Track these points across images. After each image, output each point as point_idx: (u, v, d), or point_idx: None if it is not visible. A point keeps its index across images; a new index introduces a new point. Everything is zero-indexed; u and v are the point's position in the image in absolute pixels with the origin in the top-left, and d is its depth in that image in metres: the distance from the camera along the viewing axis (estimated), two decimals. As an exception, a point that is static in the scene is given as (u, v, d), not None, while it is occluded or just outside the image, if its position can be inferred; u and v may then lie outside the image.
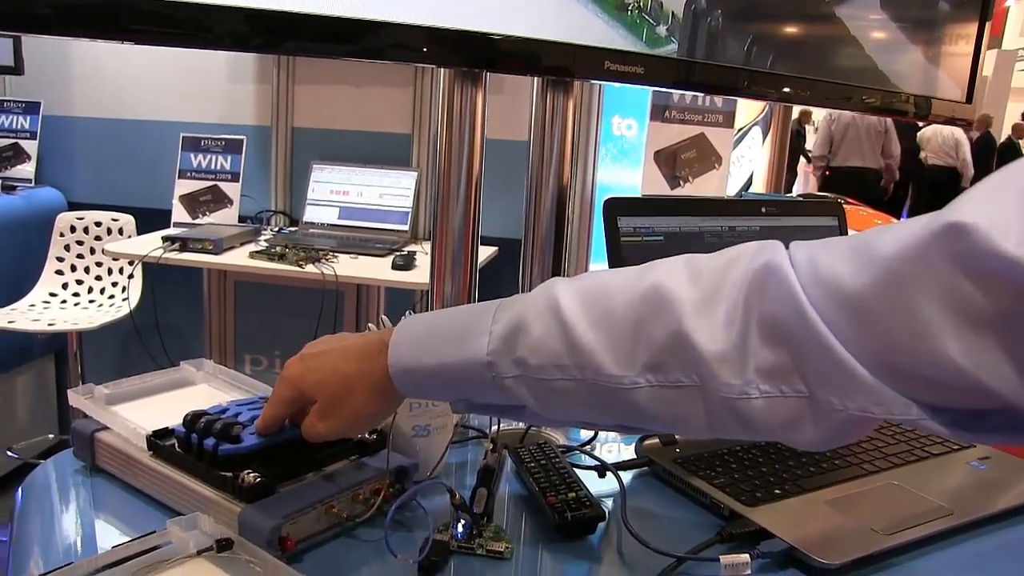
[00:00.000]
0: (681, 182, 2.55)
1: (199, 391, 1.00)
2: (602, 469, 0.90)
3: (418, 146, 2.98)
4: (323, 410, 0.72)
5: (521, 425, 1.00)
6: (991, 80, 11.61)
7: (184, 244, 2.47)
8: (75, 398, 0.92)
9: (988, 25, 1.34)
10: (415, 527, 0.79)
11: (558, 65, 0.99)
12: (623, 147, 2.78)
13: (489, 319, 0.65)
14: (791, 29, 1.19)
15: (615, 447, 1.03)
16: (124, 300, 2.80)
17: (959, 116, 1.37)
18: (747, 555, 0.74)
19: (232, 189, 2.87)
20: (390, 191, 2.89)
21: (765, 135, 3.15)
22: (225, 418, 0.80)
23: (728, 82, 1.11)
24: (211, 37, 0.82)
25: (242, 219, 2.88)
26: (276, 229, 2.90)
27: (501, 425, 1.01)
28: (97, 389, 0.93)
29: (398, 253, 2.55)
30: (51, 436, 3.04)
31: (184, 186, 2.89)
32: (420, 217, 2.90)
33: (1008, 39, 13.22)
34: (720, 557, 0.74)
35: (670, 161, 2.58)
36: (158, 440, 0.82)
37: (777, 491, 0.85)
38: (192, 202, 2.87)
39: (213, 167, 2.89)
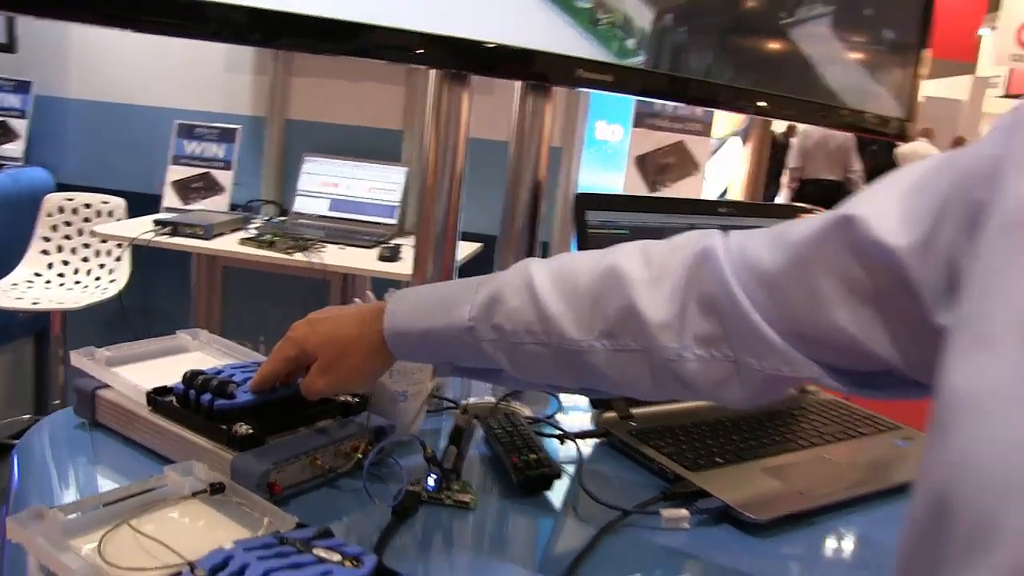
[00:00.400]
0: (660, 187, 2.65)
1: (194, 357, 1.08)
2: (563, 437, 0.99)
3: (409, 143, 3.06)
4: (323, 368, 0.80)
5: (492, 398, 1.09)
6: (966, 105, 11.86)
7: (175, 228, 2.54)
8: (77, 358, 1.00)
9: (927, 52, 1.44)
10: (391, 480, 0.87)
11: (537, 71, 1.08)
12: (607, 151, 2.88)
13: (472, 291, 0.74)
14: (750, 46, 1.29)
15: (577, 420, 1.12)
16: (111, 282, 2.86)
17: (902, 132, 1.49)
18: (686, 510, 0.83)
19: (224, 177, 2.95)
20: (379, 185, 2.96)
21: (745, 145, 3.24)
22: (221, 377, 0.88)
23: (689, 92, 1.21)
24: (209, 29, 0.89)
25: (233, 207, 2.95)
26: (266, 218, 2.97)
27: (473, 399, 1.09)
28: (98, 351, 1.01)
29: (385, 245, 2.63)
30: (26, 416, 3.08)
31: (176, 172, 2.96)
32: (408, 212, 2.98)
33: (982, 67, 13.50)
34: (661, 511, 0.83)
35: (651, 166, 2.67)
36: (157, 396, 0.90)
37: (718, 459, 0.94)
38: (184, 188, 2.94)
39: (206, 155, 2.96)
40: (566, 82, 1.11)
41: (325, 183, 2.99)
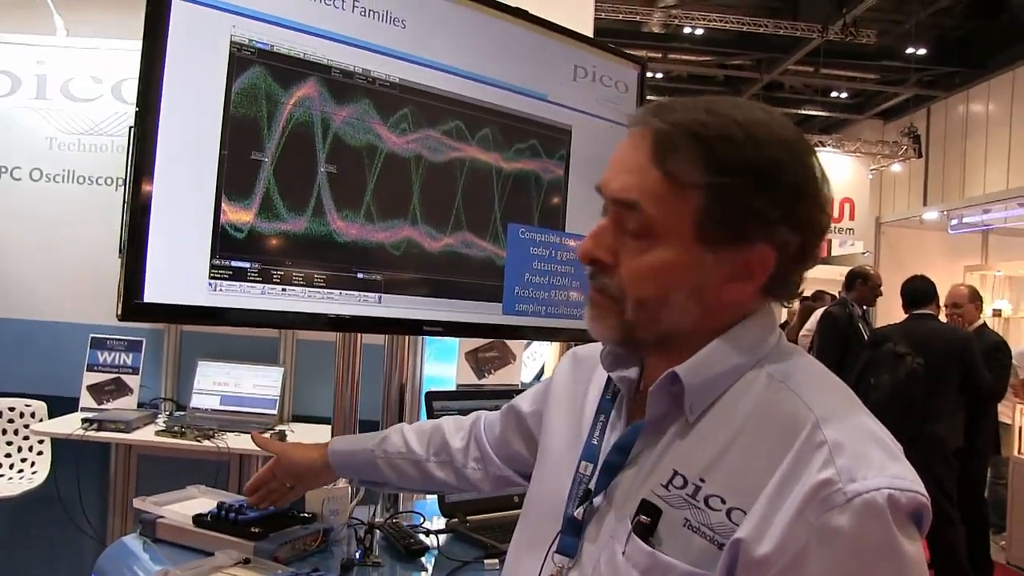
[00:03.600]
0: (486, 374, 3.49)
1: (202, 500, 1.78)
2: (427, 532, 1.75)
3: (283, 347, 3.79)
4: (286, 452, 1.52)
5: (381, 519, 1.83)
6: None
7: (100, 425, 3.14)
8: (139, 502, 1.69)
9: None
10: (332, 557, 1.60)
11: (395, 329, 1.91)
12: (443, 347, 3.71)
13: (374, 436, 1.48)
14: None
15: (435, 524, 1.86)
16: (34, 473, 3.38)
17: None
18: (496, 560, 1.60)
19: (132, 380, 3.57)
20: (262, 382, 3.67)
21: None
22: (236, 504, 1.60)
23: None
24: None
25: (139, 405, 3.56)
26: (168, 413, 3.60)
27: (377, 517, 1.83)
28: (149, 498, 1.70)
29: (271, 431, 3.31)
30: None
31: (91, 377, 3.56)
32: (286, 402, 3.69)
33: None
34: (484, 561, 1.60)
35: (476, 359, 3.51)
36: (199, 517, 1.60)
37: (513, 536, 1.72)
38: (98, 391, 3.54)
39: (117, 362, 3.59)
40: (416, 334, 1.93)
41: (217, 382, 3.66)
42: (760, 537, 0.77)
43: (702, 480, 0.83)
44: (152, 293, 1.46)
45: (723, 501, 0.81)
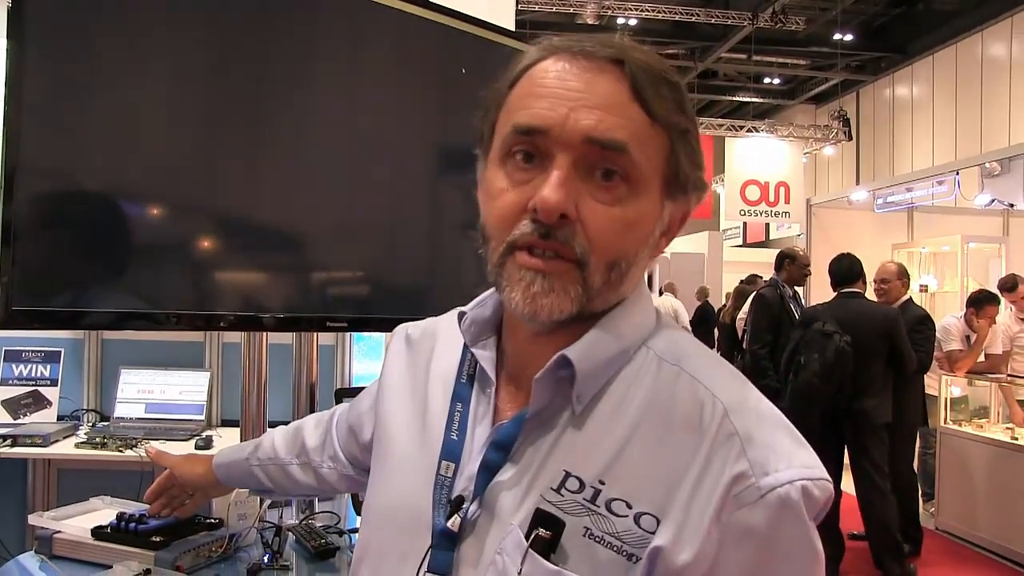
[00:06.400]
0: (414, 368, 3.45)
1: (106, 511, 1.72)
2: (340, 532, 1.72)
3: (209, 351, 3.71)
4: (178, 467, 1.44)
5: (295, 520, 1.79)
6: (707, 256, 13.58)
7: (15, 440, 3.03)
8: (34, 518, 1.62)
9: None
10: (240, 561, 1.56)
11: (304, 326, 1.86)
12: (371, 345, 3.67)
13: (250, 444, 1.41)
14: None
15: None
16: (-53, 494, 3.25)
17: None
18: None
19: (51, 392, 3.46)
20: (188, 388, 3.58)
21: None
22: (137, 515, 1.55)
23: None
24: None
25: (59, 417, 3.44)
26: (91, 424, 3.49)
27: (289, 518, 1.79)
28: (47, 513, 1.64)
29: (198, 437, 3.23)
30: None
31: (5, 392, 3.43)
32: (213, 407, 3.60)
33: (720, 221, 15.67)
34: (394, 558, 1.56)
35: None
36: (99, 529, 1.54)
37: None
38: (13, 405, 3.41)
39: (33, 375, 3.48)
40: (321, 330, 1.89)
41: (141, 390, 3.56)
42: (680, 543, 0.70)
43: (601, 482, 0.73)
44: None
45: (629, 506, 0.72)
